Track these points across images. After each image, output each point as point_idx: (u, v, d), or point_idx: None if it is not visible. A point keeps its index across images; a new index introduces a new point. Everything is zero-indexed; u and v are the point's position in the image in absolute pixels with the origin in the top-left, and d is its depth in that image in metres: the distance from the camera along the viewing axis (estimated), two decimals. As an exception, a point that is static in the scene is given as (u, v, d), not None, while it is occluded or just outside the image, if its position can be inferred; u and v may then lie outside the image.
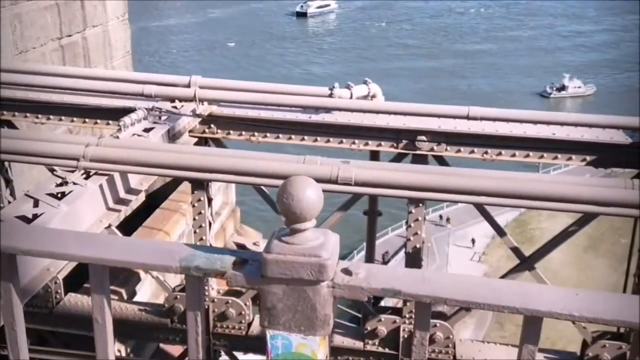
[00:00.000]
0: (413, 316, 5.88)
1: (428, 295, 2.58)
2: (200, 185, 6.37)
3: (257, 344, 6.49)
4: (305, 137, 7.19)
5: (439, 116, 6.95)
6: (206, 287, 6.41)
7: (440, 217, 48.68)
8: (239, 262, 2.78)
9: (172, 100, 7.22)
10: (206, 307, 6.50)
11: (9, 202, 7.33)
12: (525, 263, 6.52)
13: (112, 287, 7.18)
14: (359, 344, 6.45)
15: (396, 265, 41.54)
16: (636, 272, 6.51)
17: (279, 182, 5.42)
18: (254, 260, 2.79)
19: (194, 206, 6.50)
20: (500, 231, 6.84)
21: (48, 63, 10.20)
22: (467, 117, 6.80)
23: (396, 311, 6.49)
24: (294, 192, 2.67)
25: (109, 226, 5.89)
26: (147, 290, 8.95)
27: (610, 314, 2.48)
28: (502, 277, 6.71)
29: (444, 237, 46.33)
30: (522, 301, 2.53)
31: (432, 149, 6.87)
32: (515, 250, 6.57)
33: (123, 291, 7.76)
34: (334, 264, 2.73)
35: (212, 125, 7.30)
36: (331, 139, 7.13)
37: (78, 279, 6.90)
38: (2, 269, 2.77)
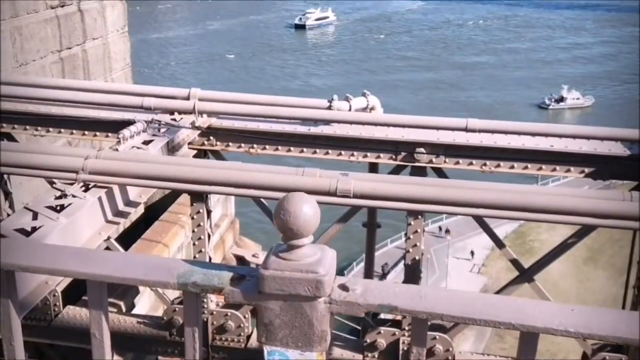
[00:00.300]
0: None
1: (424, 312, 2.59)
2: (199, 198, 6.37)
3: (256, 356, 6.44)
4: (304, 149, 7.20)
5: (437, 128, 6.96)
6: (205, 300, 6.39)
7: (440, 228, 48.65)
8: (236, 278, 2.79)
9: (171, 112, 7.23)
10: (205, 319, 6.48)
11: (8, 215, 7.32)
12: (525, 275, 6.52)
13: (110, 300, 7.16)
14: (358, 357, 6.42)
15: (395, 277, 41.44)
16: (636, 283, 6.50)
17: (278, 194, 5.45)
18: (251, 276, 2.79)
19: (193, 218, 6.50)
20: (499, 243, 6.84)
21: (48, 75, 10.24)
22: (466, 129, 6.82)
23: (395, 323, 6.47)
24: (290, 208, 2.67)
25: (108, 238, 5.89)
26: (146, 303, 8.93)
27: (606, 330, 2.48)
28: (501, 289, 6.71)
29: (444, 249, 46.27)
30: (518, 317, 2.53)
31: (430, 161, 6.89)
32: (515, 262, 6.57)
33: (122, 303, 7.74)
34: (330, 280, 2.73)
35: (211, 138, 7.32)
36: (330, 151, 7.15)
37: (77, 290, 6.89)
38: (0, 285, 2.77)
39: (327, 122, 7.19)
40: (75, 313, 6.77)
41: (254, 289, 2.75)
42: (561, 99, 79.96)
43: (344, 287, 2.74)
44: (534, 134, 6.85)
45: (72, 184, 5.62)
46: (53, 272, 2.82)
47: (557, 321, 2.50)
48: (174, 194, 10.14)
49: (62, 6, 10.65)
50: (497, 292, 6.75)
